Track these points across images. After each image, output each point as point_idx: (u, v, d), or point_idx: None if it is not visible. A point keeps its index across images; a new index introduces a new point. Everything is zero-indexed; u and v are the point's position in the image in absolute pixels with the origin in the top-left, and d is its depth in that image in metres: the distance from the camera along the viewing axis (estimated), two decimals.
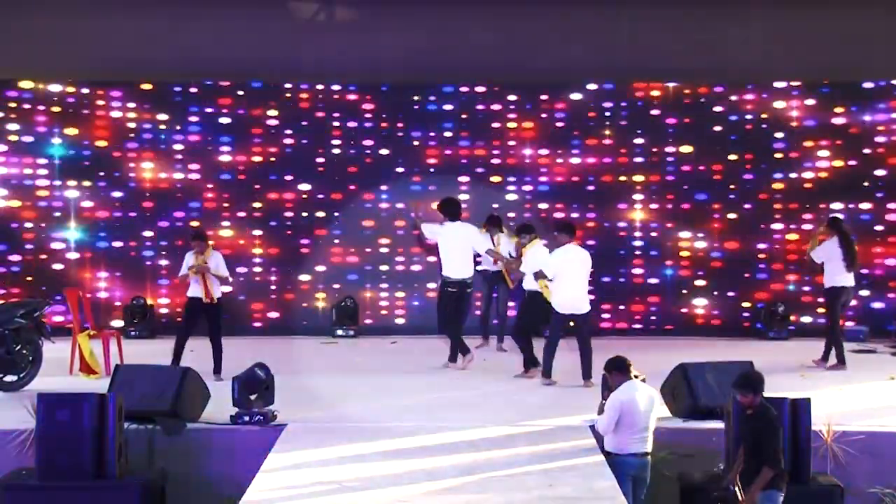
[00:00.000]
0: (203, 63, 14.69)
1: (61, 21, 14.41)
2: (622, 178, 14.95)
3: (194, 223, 14.33)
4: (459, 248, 11.63)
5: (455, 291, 11.57)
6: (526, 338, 11.15)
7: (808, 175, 14.83)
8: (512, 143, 15.04)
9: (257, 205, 14.97)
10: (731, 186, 14.90)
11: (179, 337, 11.11)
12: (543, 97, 15.02)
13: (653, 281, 14.92)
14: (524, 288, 11.39)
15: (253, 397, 8.64)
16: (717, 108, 14.92)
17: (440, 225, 11.77)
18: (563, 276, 10.58)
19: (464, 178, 14.97)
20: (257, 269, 14.95)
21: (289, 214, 14.98)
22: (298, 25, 15.14)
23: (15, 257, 14.70)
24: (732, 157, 14.89)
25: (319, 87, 15.01)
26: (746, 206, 14.87)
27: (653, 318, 14.92)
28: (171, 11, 14.55)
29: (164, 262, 14.80)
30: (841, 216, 12.72)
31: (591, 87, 15.01)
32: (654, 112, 14.95)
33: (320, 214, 14.97)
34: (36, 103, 14.77)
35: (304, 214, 14.98)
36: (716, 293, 14.91)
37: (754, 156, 14.88)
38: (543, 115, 15.03)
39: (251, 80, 14.93)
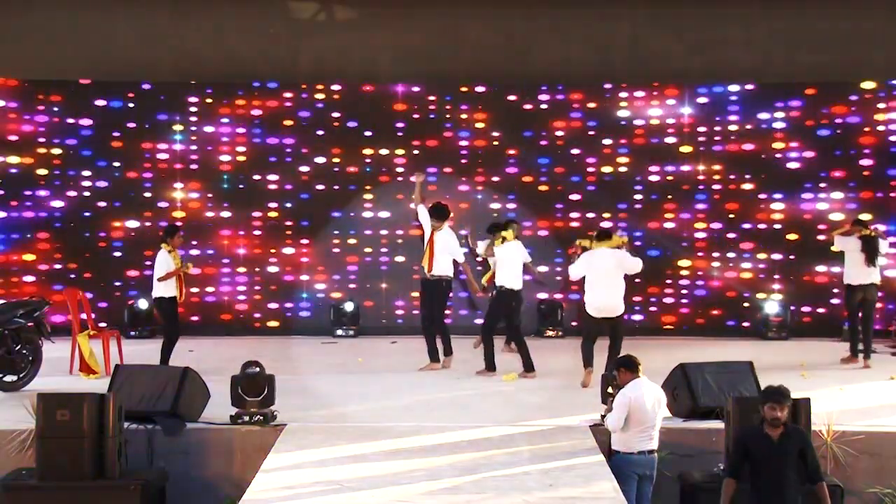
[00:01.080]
0: (203, 63, 14.71)
1: (61, 20, 14.45)
2: (621, 178, 14.97)
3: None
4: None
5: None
6: (491, 337, 11.33)
7: (808, 175, 14.84)
8: (512, 142, 15.06)
9: (257, 205, 14.97)
10: (731, 187, 14.92)
11: (174, 338, 11.10)
12: (543, 97, 15.03)
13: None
14: (496, 284, 11.39)
15: (252, 397, 8.64)
16: (717, 107, 14.94)
17: (448, 234, 11.72)
18: (590, 279, 10.63)
19: (463, 178, 14.98)
20: (257, 269, 14.95)
21: (289, 214, 14.98)
22: (298, 25, 15.14)
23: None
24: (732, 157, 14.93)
25: (319, 86, 15.00)
26: (747, 205, 14.88)
27: (653, 318, 14.92)
28: (171, 11, 14.56)
29: None
30: (867, 217, 12.76)
31: (592, 86, 15.04)
32: (654, 111, 14.96)
33: (320, 214, 14.99)
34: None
35: (305, 213, 14.99)
36: (716, 293, 14.91)
37: (755, 155, 14.88)
38: (543, 115, 15.04)
39: (251, 79, 14.92)
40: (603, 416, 8.35)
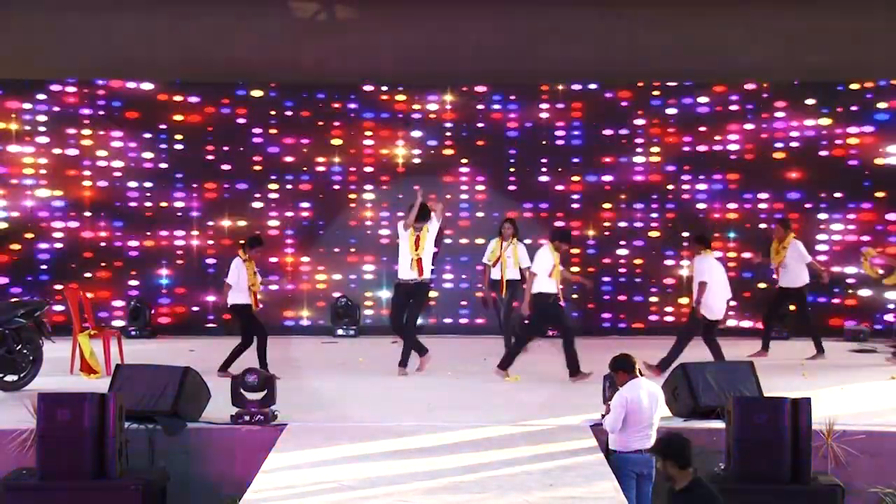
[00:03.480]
0: (202, 63, 14.70)
1: (61, 20, 14.45)
2: (620, 178, 14.98)
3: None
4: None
5: None
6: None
7: (805, 176, 14.84)
8: (512, 142, 15.07)
9: (258, 205, 14.98)
10: (731, 188, 14.92)
11: (250, 342, 11.11)
12: (543, 97, 15.03)
13: (652, 280, 14.93)
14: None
15: (253, 397, 8.65)
16: (713, 109, 14.95)
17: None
18: (710, 283, 11.15)
19: (463, 178, 14.99)
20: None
21: (289, 214, 14.99)
22: (298, 25, 15.14)
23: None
24: (733, 157, 14.91)
25: (319, 86, 15.01)
26: (746, 206, 14.89)
27: (653, 317, 14.92)
28: (171, 11, 14.56)
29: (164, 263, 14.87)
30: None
31: (592, 86, 15.05)
32: (654, 111, 14.97)
33: (321, 214, 14.99)
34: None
35: (305, 214, 15.00)
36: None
37: (754, 157, 14.89)
38: (543, 115, 15.04)
39: (251, 80, 14.93)
40: (603, 416, 8.35)
